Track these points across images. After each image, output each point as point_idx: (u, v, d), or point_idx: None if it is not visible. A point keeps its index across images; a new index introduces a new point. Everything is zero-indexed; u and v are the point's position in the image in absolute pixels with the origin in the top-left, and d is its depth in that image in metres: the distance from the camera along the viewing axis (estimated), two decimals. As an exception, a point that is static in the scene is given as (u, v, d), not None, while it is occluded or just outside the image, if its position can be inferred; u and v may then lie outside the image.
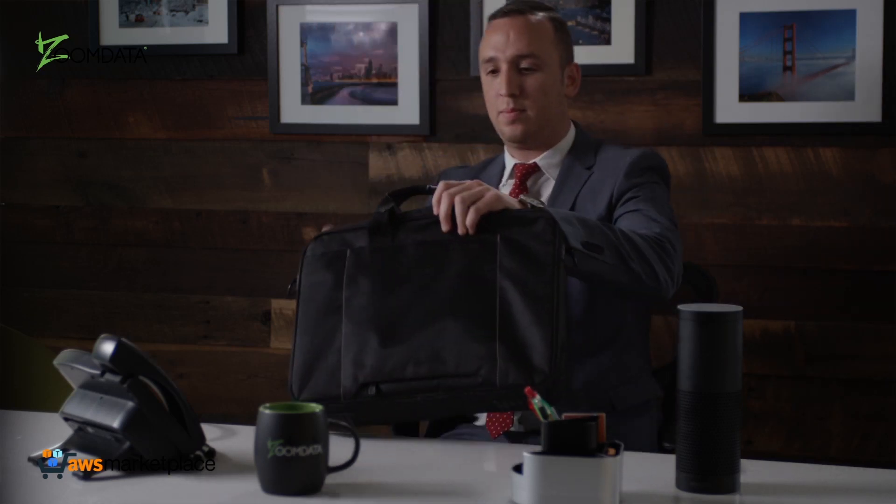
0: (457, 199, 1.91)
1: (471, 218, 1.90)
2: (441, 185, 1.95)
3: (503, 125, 2.35)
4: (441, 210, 1.93)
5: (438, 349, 1.85)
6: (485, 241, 1.90)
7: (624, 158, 2.32)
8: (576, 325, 2.18)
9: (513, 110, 2.31)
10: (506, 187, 2.38)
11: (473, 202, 1.91)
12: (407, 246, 1.95)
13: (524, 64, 2.31)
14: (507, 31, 2.33)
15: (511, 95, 2.31)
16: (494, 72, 2.34)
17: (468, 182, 1.96)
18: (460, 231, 1.91)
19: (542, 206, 1.98)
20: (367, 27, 3.17)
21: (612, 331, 2.27)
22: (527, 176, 2.36)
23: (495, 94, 2.34)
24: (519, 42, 2.31)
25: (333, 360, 1.92)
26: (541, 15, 2.36)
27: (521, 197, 1.99)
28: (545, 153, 2.37)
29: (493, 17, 2.39)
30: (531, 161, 2.37)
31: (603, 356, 2.23)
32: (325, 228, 2.05)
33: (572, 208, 2.27)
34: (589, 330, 2.22)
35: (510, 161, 2.41)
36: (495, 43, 2.34)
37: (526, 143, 2.36)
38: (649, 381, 2.34)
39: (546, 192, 2.34)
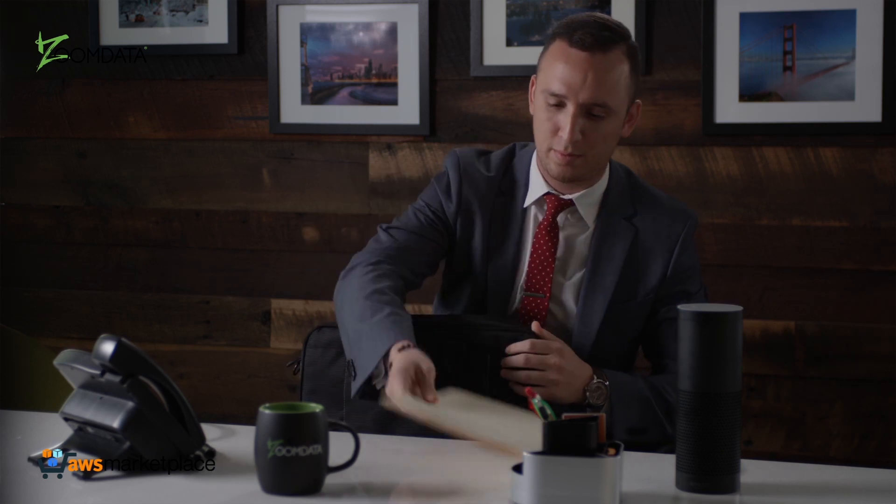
0: (535, 376, 2.04)
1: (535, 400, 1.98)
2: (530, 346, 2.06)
3: (552, 163, 2.17)
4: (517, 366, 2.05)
5: None
6: None
7: (673, 227, 2.23)
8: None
9: (570, 154, 2.14)
10: (535, 217, 2.24)
11: (546, 385, 2.03)
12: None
13: (595, 111, 2.12)
14: (584, 70, 2.09)
15: (574, 142, 2.12)
16: (558, 106, 2.13)
17: (555, 356, 2.05)
18: (519, 390, 2.02)
19: (603, 398, 2.07)
20: (367, 27, 3.16)
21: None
22: (558, 211, 2.22)
23: (552, 129, 2.14)
24: (596, 88, 2.10)
25: None
26: (620, 49, 2.13)
27: (589, 388, 2.07)
28: (583, 191, 2.21)
29: (569, 41, 2.12)
30: (567, 197, 2.22)
31: None
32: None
33: (623, 273, 2.19)
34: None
35: (539, 184, 2.24)
36: (569, 80, 2.10)
37: (570, 183, 2.21)
38: None
39: (579, 236, 2.23)
